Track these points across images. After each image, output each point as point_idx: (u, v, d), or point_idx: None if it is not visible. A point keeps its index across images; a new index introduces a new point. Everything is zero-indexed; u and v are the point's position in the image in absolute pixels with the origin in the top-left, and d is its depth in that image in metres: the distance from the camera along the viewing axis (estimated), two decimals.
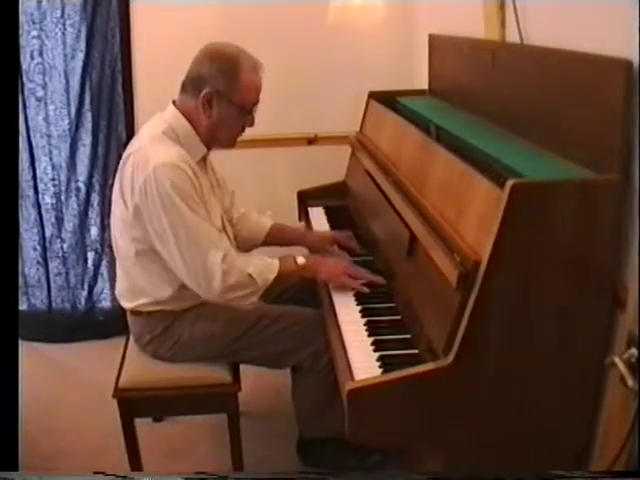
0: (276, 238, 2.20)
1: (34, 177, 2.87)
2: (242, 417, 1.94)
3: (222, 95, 1.78)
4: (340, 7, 2.88)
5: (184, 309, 1.86)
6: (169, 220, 1.70)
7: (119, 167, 1.83)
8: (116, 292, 1.97)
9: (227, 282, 1.73)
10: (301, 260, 1.88)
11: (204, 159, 1.90)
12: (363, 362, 1.51)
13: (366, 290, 1.81)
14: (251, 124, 1.87)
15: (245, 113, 1.83)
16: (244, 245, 2.14)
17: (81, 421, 2.41)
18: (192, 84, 1.80)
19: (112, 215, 1.88)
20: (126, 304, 1.92)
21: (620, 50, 1.31)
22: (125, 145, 1.91)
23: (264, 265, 1.82)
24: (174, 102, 1.85)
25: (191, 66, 1.81)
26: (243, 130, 1.87)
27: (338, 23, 2.88)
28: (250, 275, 1.76)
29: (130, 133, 2.80)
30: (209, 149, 1.89)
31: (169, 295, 1.83)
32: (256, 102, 1.84)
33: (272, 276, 1.80)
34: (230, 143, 1.90)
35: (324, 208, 2.53)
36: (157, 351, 1.89)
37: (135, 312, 1.90)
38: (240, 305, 1.80)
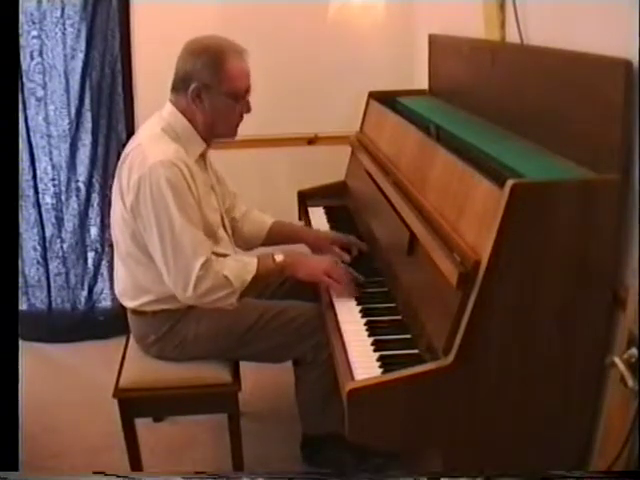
0: (277, 236, 2.19)
1: (34, 177, 2.87)
2: (242, 417, 1.94)
3: (210, 87, 1.78)
4: (340, 7, 2.87)
5: (188, 307, 1.86)
6: (157, 218, 1.71)
7: (118, 166, 1.83)
8: (117, 292, 1.97)
9: (201, 288, 1.73)
10: (279, 258, 1.85)
11: (203, 156, 1.91)
12: (363, 362, 1.51)
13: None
14: (247, 110, 1.86)
15: (239, 100, 1.83)
16: (246, 244, 2.16)
17: (81, 421, 2.41)
18: (180, 82, 1.81)
19: (112, 214, 1.89)
20: (129, 303, 1.91)
21: (620, 50, 1.31)
22: (125, 145, 1.92)
23: (241, 266, 1.81)
24: (170, 100, 1.85)
25: (176, 65, 1.82)
26: (241, 117, 1.87)
27: (338, 23, 2.88)
28: (226, 277, 1.75)
29: (130, 133, 2.79)
30: (209, 144, 1.89)
31: (172, 292, 1.83)
32: (247, 87, 1.84)
33: (249, 276, 1.79)
34: (231, 133, 1.90)
35: (324, 208, 2.52)
36: (162, 351, 1.89)
37: (138, 312, 1.89)
38: (220, 306, 1.79)
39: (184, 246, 1.72)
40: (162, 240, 1.72)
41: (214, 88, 1.78)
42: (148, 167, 1.70)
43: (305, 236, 2.23)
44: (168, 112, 1.83)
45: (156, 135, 1.79)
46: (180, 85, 1.81)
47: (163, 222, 1.71)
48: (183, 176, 1.72)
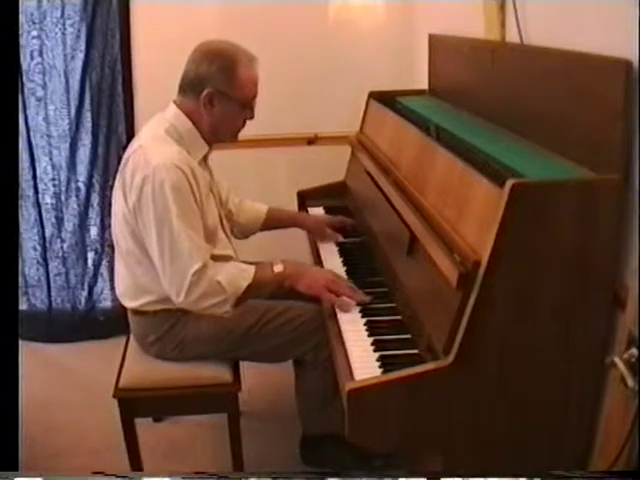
0: (273, 222, 2.25)
1: (34, 177, 2.87)
2: (242, 417, 1.94)
3: (223, 93, 1.79)
4: (340, 7, 2.87)
5: None
6: (157, 220, 1.71)
7: (121, 166, 1.83)
8: (117, 292, 1.97)
9: (193, 294, 1.72)
10: (279, 268, 1.83)
11: (205, 158, 1.91)
12: (363, 362, 1.51)
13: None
14: (251, 117, 1.88)
15: (246, 107, 1.84)
16: (243, 232, 2.21)
17: (81, 421, 2.42)
18: (191, 85, 1.80)
19: (113, 214, 1.88)
20: (129, 303, 1.91)
21: (620, 50, 1.31)
22: (125, 145, 1.92)
23: (236, 272, 1.79)
24: (175, 102, 1.85)
25: (187, 66, 1.81)
26: (244, 124, 1.89)
27: (338, 23, 2.88)
28: (219, 282, 1.74)
29: (130, 133, 2.80)
30: (211, 147, 1.90)
31: None
32: (255, 95, 1.85)
33: (245, 283, 1.77)
34: (233, 138, 1.91)
35: (324, 208, 2.53)
36: (162, 351, 1.89)
37: (138, 312, 1.89)
38: (215, 314, 1.78)
39: (181, 250, 1.72)
40: (160, 242, 1.72)
41: (227, 94, 1.78)
42: (152, 168, 1.70)
43: (302, 221, 2.31)
44: (172, 114, 1.83)
45: (159, 137, 1.79)
46: (189, 88, 1.81)
47: (163, 224, 1.71)
48: (187, 179, 1.72)
